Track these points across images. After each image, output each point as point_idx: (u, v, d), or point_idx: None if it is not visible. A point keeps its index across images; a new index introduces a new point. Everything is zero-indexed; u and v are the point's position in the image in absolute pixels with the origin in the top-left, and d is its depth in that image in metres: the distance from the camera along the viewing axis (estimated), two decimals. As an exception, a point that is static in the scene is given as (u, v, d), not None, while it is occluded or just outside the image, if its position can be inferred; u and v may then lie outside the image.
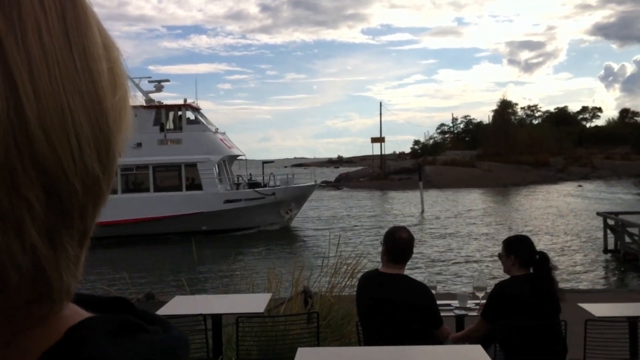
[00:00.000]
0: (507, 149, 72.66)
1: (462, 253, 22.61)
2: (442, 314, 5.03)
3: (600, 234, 21.48)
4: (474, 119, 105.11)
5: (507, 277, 5.16)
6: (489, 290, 5.38)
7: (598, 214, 22.70)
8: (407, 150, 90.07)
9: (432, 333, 4.84)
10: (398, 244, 4.89)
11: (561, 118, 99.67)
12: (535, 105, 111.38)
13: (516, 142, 74.78)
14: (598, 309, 5.61)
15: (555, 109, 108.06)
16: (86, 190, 0.50)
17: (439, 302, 5.14)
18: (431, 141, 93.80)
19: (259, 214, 28.93)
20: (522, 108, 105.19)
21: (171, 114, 30.57)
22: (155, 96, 31.70)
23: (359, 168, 78.78)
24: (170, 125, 30.36)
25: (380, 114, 63.21)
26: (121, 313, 0.57)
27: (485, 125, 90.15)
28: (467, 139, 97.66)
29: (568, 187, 55.92)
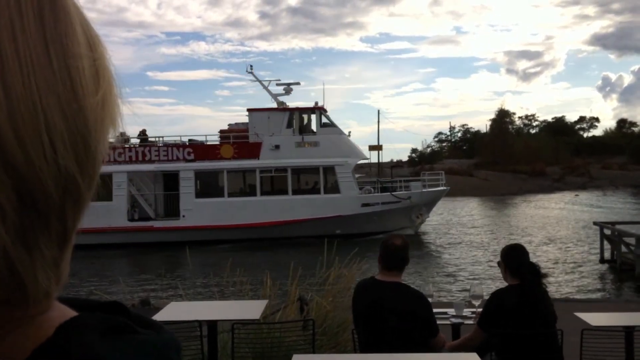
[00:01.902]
0: (504, 158, 72.83)
1: (461, 262, 22.58)
2: (438, 322, 5.02)
3: (597, 244, 21.48)
4: (471, 127, 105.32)
5: (503, 285, 5.17)
6: (485, 298, 5.38)
7: (595, 223, 22.73)
8: (405, 158, 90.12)
9: (428, 341, 4.83)
10: (391, 250, 4.88)
11: (559, 128, 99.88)
12: (533, 115, 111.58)
13: (513, 152, 74.97)
14: (594, 319, 5.60)
15: (552, 118, 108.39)
16: (63, 191, 0.49)
17: (435, 310, 5.13)
18: (429, 149, 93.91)
19: (391, 218, 28.57)
20: (519, 117, 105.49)
21: (304, 117, 30.41)
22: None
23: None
24: (297, 127, 30.07)
25: (378, 122, 62.93)
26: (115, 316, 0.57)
27: (483, 134, 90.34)
28: (464, 147, 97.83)
29: (565, 197, 55.99)
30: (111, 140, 0.55)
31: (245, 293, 7.86)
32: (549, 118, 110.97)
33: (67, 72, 0.49)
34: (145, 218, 28.46)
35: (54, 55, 0.48)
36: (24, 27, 0.47)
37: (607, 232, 20.35)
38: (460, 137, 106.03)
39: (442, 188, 31.47)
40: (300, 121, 30.10)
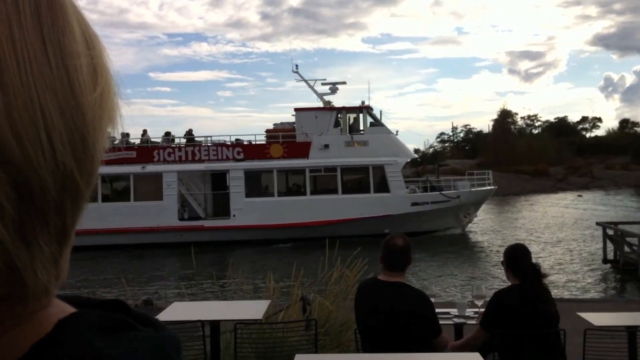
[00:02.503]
0: (507, 158, 72.66)
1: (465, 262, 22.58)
2: (441, 322, 5.02)
3: (600, 244, 21.45)
4: (474, 128, 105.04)
5: (506, 285, 5.17)
6: (487, 298, 5.38)
7: (597, 224, 22.70)
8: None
9: (431, 341, 4.83)
10: (392, 250, 4.88)
11: (561, 128, 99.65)
12: (535, 115, 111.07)
13: (516, 152, 74.77)
14: (597, 319, 5.60)
15: (555, 118, 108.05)
16: (61, 187, 0.49)
17: (437, 310, 5.12)
18: (431, 150, 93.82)
19: (439, 217, 28.50)
20: (522, 117, 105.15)
21: (351, 116, 30.39)
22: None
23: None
24: (344, 127, 30.06)
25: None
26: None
27: (485, 135, 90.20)
28: (467, 148, 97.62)
29: (568, 197, 55.89)
30: (112, 139, 0.56)
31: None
32: (552, 118, 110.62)
33: (65, 70, 0.49)
34: (194, 217, 28.42)
35: (52, 52, 0.48)
36: (21, 24, 0.47)
37: (610, 232, 20.31)
38: (462, 138, 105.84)
39: (490, 187, 31.39)
40: (347, 120, 30.09)
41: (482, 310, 5.31)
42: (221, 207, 28.84)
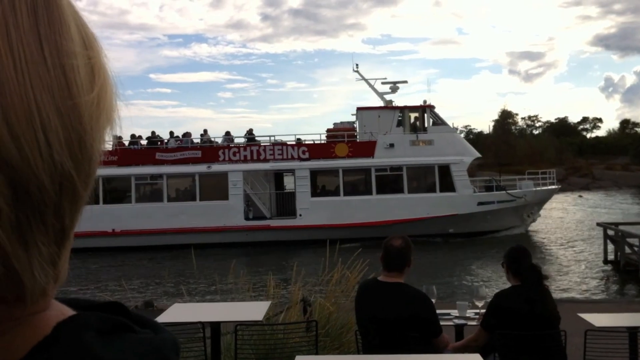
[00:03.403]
0: (507, 159, 72.64)
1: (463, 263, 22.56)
2: (442, 323, 5.01)
3: (600, 245, 21.44)
4: (474, 128, 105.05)
5: (506, 286, 5.17)
6: (488, 300, 5.38)
7: (598, 224, 22.69)
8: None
9: (431, 342, 4.82)
10: (389, 251, 4.88)
11: (561, 128, 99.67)
12: (536, 116, 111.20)
13: (516, 152, 74.81)
14: (598, 319, 5.60)
15: (555, 119, 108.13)
16: (58, 187, 0.49)
17: (438, 311, 5.12)
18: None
19: (503, 217, 28.30)
20: (522, 118, 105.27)
21: (413, 115, 30.28)
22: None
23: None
24: (408, 126, 29.94)
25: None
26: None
27: (486, 135, 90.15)
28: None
29: (568, 198, 55.88)
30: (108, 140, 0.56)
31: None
32: (552, 119, 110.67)
33: (62, 70, 0.49)
34: (258, 217, 28.33)
35: (48, 52, 0.48)
36: (18, 24, 0.47)
37: (611, 232, 20.31)
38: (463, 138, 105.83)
39: (554, 187, 31.13)
40: (410, 119, 30.03)
41: (483, 311, 5.31)
42: (284, 207, 28.73)
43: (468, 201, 27.97)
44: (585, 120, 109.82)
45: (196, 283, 18.61)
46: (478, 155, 30.42)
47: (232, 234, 27.11)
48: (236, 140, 30.35)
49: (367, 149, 28.89)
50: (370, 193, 28.50)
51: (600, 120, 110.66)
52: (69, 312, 0.55)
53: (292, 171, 28.88)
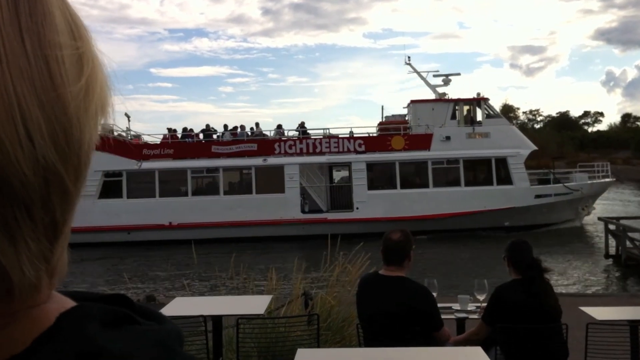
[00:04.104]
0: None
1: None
2: (443, 316, 5.02)
3: (602, 239, 21.44)
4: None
5: (507, 280, 5.17)
6: (490, 293, 5.38)
7: (599, 219, 22.68)
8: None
9: (433, 335, 4.83)
10: (387, 245, 4.87)
11: (563, 122, 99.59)
12: (537, 110, 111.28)
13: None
14: (599, 313, 5.60)
15: (557, 113, 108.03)
16: (43, 180, 0.48)
17: (440, 305, 5.12)
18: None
19: (559, 210, 28.14)
20: (523, 112, 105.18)
21: (467, 108, 30.06)
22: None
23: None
24: (463, 118, 29.68)
25: (382, 117, 62.65)
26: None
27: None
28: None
29: (569, 192, 55.73)
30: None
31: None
32: (553, 113, 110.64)
33: (44, 61, 0.48)
34: (314, 210, 28.24)
35: (30, 43, 0.47)
36: None
37: (612, 227, 20.31)
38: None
39: (609, 179, 30.95)
40: (464, 112, 29.87)
41: (484, 305, 5.31)
42: (339, 200, 28.57)
43: (525, 194, 27.77)
44: (586, 114, 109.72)
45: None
46: (534, 148, 30.24)
47: (289, 227, 26.89)
48: (288, 133, 30.22)
49: (423, 141, 28.70)
50: (427, 186, 28.28)
51: (601, 114, 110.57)
52: (70, 303, 0.54)
53: (348, 164, 28.71)
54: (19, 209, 0.47)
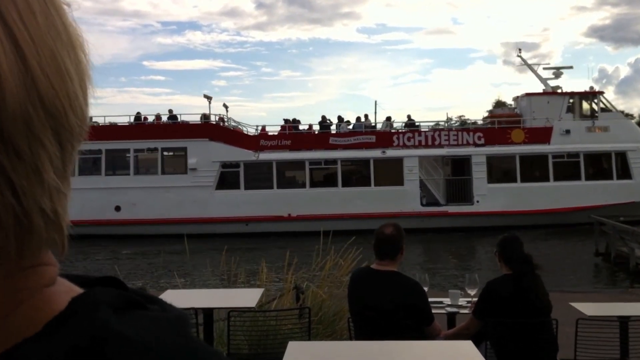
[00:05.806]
0: (501, 150, 72.70)
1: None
2: (434, 311, 5.03)
3: (592, 237, 21.54)
4: (468, 119, 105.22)
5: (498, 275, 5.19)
6: (480, 288, 5.40)
7: (590, 217, 22.76)
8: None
9: (424, 329, 4.84)
10: (380, 239, 4.87)
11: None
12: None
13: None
14: (589, 309, 5.63)
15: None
16: (80, 128, 0.51)
17: (430, 299, 5.14)
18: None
19: None
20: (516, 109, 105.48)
21: (582, 101, 29.76)
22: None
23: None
24: (578, 112, 29.40)
25: (376, 112, 62.64)
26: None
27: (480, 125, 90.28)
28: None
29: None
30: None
31: None
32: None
33: (63, 23, 0.50)
34: (431, 203, 27.89)
35: (52, 9, 0.50)
36: None
37: (602, 225, 20.39)
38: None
39: None
40: (583, 105, 29.61)
41: (475, 299, 5.33)
42: (457, 193, 28.17)
43: None
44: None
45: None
46: None
47: (407, 219, 25.37)
48: (396, 125, 30.01)
49: (543, 135, 28.42)
50: (547, 180, 27.96)
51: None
52: (77, 289, 0.54)
53: (468, 157, 28.35)
54: (68, 157, 0.51)
